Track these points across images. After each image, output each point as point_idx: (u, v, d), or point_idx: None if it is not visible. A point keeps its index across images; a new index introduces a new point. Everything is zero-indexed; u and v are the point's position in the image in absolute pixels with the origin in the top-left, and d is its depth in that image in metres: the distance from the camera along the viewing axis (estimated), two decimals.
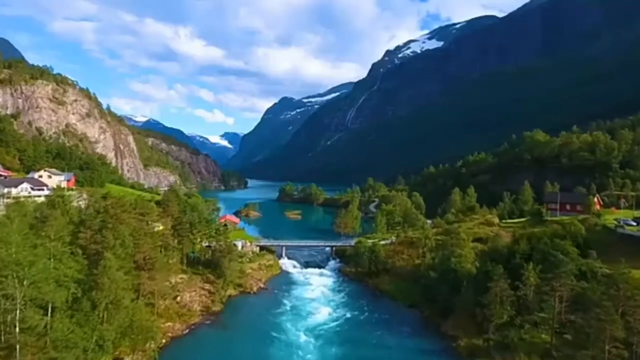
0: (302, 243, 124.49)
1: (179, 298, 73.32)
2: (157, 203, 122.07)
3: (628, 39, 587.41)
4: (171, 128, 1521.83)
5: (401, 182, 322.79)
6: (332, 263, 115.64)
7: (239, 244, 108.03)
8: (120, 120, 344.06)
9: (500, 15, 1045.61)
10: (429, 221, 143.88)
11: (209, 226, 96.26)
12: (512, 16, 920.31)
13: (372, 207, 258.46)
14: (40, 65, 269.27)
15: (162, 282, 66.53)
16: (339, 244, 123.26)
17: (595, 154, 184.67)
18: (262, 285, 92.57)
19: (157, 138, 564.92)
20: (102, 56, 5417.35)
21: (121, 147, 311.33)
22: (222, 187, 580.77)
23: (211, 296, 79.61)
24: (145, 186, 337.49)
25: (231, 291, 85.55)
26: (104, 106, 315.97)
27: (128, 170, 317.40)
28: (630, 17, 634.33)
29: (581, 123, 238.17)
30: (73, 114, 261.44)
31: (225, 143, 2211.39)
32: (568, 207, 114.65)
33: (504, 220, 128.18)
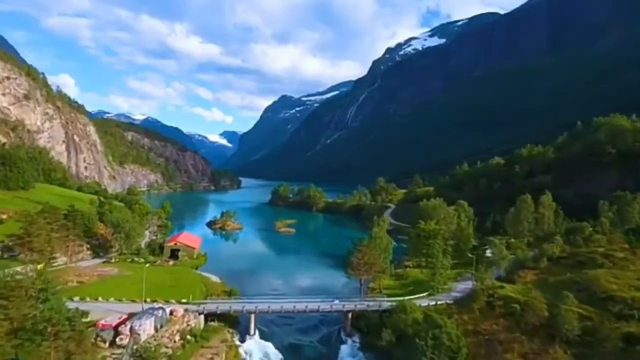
0: (290, 304, 62.19)
1: None
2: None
3: (638, 33, 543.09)
4: (170, 127, 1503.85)
5: (419, 184, 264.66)
6: (348, 352, 56.85)
7: (149, 323, 49.80)
8: (79, 107, 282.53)
9: (502, 12, 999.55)
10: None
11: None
12: (516, 12, 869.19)
13: (386, 215, 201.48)
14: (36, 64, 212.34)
15: None
16: (359, 306, 64.26)
17: None
18: None
19: (139, 133, 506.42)
20: (98, 53, 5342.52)
21: (76, 139, 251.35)
22: (212, 187, 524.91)
23: None
24: (114, 187, 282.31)
25: None
26: (55, 88, 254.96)
27: (86, 168, 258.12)
28: None
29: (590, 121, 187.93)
30: (4, 94, 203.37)
31: (224, 142, 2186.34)
32: None
33: None
